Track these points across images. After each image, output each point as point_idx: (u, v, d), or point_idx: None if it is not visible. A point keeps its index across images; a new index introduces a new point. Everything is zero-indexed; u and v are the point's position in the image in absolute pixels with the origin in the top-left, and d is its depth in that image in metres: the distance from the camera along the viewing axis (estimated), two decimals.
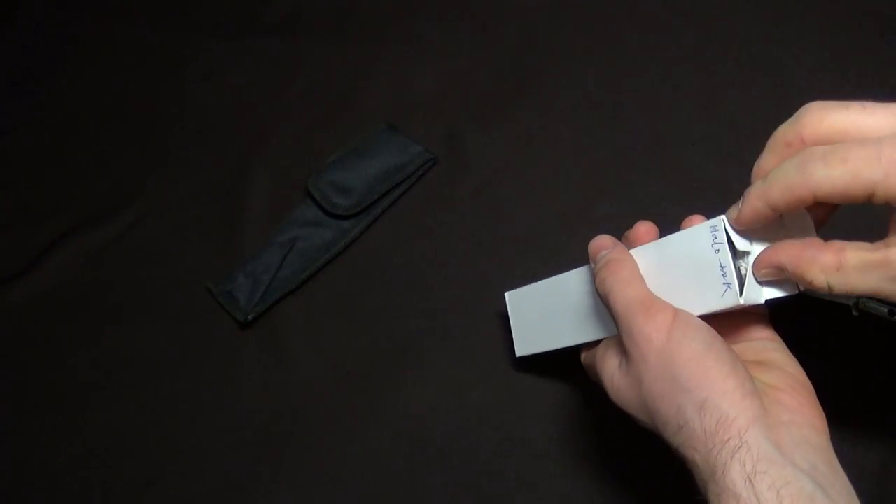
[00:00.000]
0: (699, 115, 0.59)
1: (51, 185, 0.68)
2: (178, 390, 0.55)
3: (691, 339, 0.33)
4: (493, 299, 0.54)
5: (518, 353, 0.49)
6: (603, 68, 0.64)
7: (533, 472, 0.47)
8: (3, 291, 0.62)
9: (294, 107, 0.68)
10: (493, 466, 0.48)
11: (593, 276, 0.38)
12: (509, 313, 0.49)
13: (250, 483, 0.50)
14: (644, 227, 0.40)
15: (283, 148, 0.66)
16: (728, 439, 0.30)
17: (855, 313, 0.35)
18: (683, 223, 0.38)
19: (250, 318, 0.56)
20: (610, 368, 0.37)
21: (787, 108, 0.33)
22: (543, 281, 0.46)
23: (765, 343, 0.37)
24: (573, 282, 0.43)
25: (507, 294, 0.50)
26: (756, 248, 0.34)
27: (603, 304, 0.37)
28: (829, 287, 0.30)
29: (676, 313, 0.34)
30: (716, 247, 0.34)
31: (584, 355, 0.43)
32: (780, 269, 0.32)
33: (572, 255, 0.53)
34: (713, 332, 0.33)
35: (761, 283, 0.34)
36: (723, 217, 0.34)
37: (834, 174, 0.28)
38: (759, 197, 0.32)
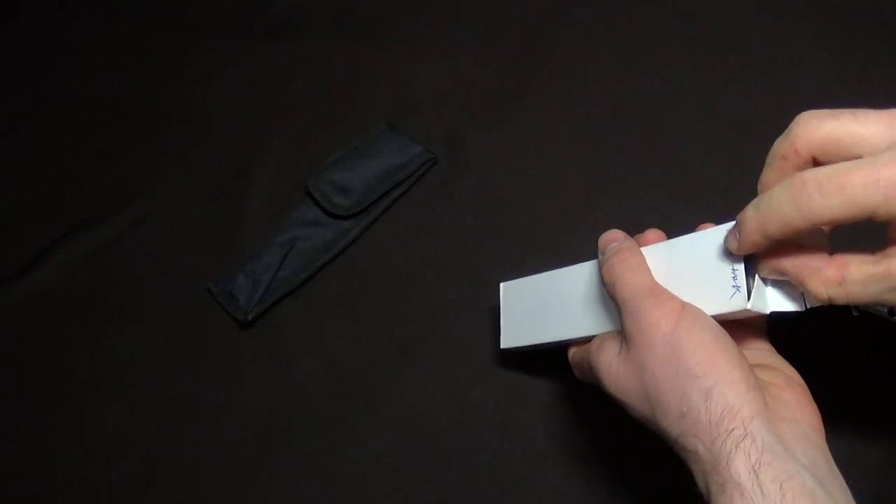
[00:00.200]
0: (699, 115, 0.59)
1: (51, 185, 0.68)
2: (178, 390, 0.55)
3: (700, 328, 0.33)
4: (493, 299, 0.54)
5: (503, 345, 0.48)
6: (603, 68, 0.64)
7: (533, 472, 0.47)
8: (3, 291, 0.62)
9: (294, 107, 0.68)
10: (493, 466, 0.48)
11: (600, 266, 0.38)
12: (501, 303, 0.49)
13: (250, 483, 0.50)
14: (653, 234, 0.40)
15: (283, 148, 0.66)
16: (733, 429, 0.30)
17: (855, 313, 0.35)
18: (697, 229, 0.38)
19: (250, 318, 0.56)
20: (608, 356, 0.37)
21: (786, 109, 0.33)
22: (541, 274, 0.46)
23: (762, 352, 0.37)
24: (572, 276, 0.43)
25: (501, 284, 0.50)
26: None
27: (607, 291, 0.37)
28: (830, 299, 0.30)
29: (685, 304, 0.34)
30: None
31: (572, 351, 0.43)
32: (783, 274, 0.32)
33: (572, 255, 0.53)
34: (720, 326, 0.33)
35: (768, 288, 0.34)
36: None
37: (833, 204, 0.28)
38: (756, 231, 0.31)
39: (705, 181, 0.55)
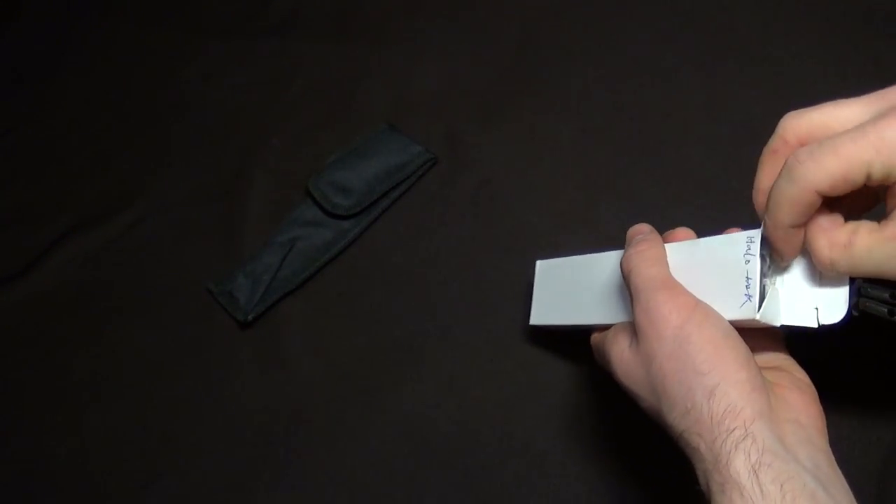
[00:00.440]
0: (699, 115, 0.59)
1: (51, 185, 0.68)
2: (178, 390, 0.55)
3: (711, 325, 0.33)
4: (493, 299, 0.54)
5: (532, 321, 0.49)
6: (603, 68, 0.64)
7: (533, 472, 0.47)
8: (3, 291, 0.62)
9: (294, 107, 0.68)
10: (493, 466, 0.48)
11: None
12: (535, 280, 0.50)
13: (250, 483, 0.50)
14: (683, 232, 0.40)
15: (283, 148, 0.66)
16: (734, 428, 0.30)
17: (855, 313, 0.35)
18: (724, 232, 0.38)
19: (250, 318, 0.56)
20: (620, 346, 0.37)
21: (786, 109, 0.34)
22: (576, 256, 0.47)
23: (775, 354, 0.37)
24: (603, 262, 0.43)
25: (538, 262, 0.50)
26: (787, 272, 0.34)
27: (624, 281, 0.37)
28: (832, 263, 0.30)
29: (698, 301, 0.34)
30: (747, 257, 0.34)
31: (594, 336, 0.43)
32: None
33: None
34: (731, 325, 0.33)
35: (783, 301, 0.34)
36: (761, 229, 0.34)
37: (828, 167, 0.29)
38: (774, 227, 0.32)
39: (705, 181, 0.55)
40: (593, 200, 0.57)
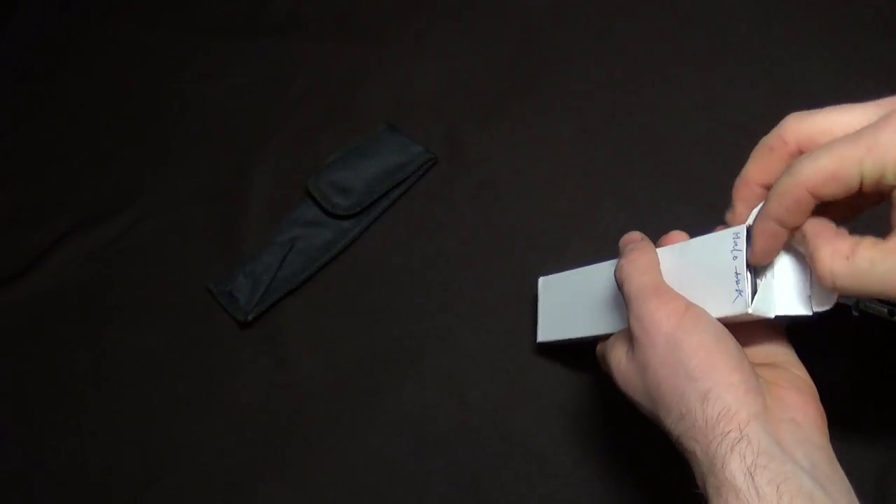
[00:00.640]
0: (699, 115, 0.59)
1: (51, 185, 0.68)
2: (177, 390, 0.55)
3: (702, 330, 0.33)
4: (493, 299, 0.54)
5: (539, 339, 0.49)
6: (603, 68, 0.64)
7: (533, 472, 0.47)
8: (4, 291, 0.62)
9: (294, 107, 0.68)
10: (493, 466, 0.48)
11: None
12: (539, 298, 0.50)
13: (250, 483, 0.50)
14: (677, 235, 0.40)
15: (283, 148, 0.66)
16: (729, 431, 0.30)
17: (855, 313, 0.35)
18: (714, 230, 0.38)
19: (250, 318, 0.56)
20: (619, 354, 0.37)
21: (786, 109, 0.33)
22: (576, 269, 0.47)
23: (775, 350, 0.37)
24: (603, 272, 0.44)
25: (540, 279, 0.50)
26: (777, 263, 0.34)
27: (619, 290, 0.37)
28: (833, 275, 0.30)
29: (689, 305, 0.34)
30: (734, 253, 0.34)
31: (598, 346, 0.43)
32: (801, 235, 0.32)
33: (572, 255, 0.53)
34: (723, 327, 0.33)
35: (776, 291, 0.34)
36: (746, 225, 0.34)
37: (821, 163, 0.30)
38: (762, 218, 0.32)
39: (705, 181, 0.55)
40: (593, 200, 0.57)
